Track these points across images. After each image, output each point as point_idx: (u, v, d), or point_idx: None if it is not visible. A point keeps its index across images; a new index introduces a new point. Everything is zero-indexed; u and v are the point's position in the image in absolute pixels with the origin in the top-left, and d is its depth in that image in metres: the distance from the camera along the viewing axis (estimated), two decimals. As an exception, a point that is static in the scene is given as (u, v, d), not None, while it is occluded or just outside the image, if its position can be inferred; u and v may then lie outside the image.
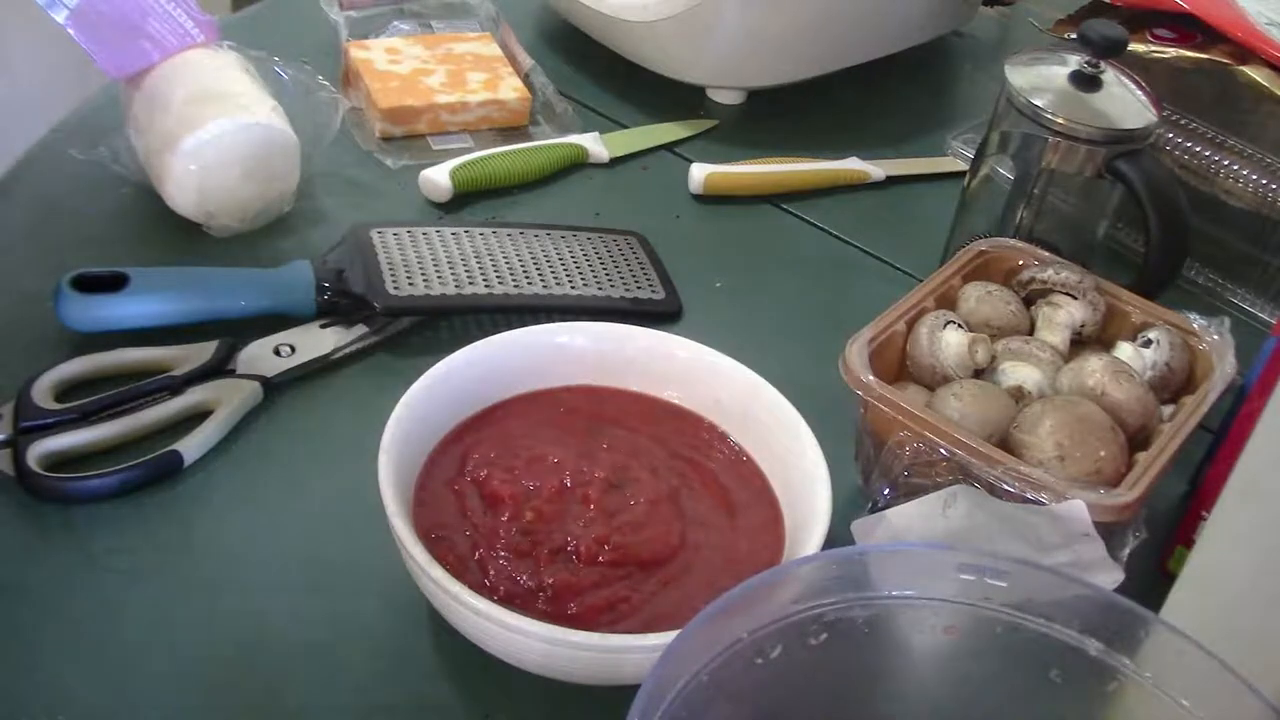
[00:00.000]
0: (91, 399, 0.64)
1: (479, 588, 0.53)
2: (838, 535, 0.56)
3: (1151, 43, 0.81)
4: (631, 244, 0.81)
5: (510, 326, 0.66)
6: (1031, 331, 0.67)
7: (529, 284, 0.75)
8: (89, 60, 0.76)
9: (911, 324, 0.65)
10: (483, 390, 0.63)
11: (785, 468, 0.61)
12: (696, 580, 0.57)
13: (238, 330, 0.69)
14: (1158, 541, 0.62)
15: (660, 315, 0.76)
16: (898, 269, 0.83)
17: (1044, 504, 0.55)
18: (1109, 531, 0.56)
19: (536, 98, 0.91)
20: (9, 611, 0.57)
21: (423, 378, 0.60)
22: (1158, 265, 0.72)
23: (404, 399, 0.59)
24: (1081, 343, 0.67)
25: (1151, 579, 0.59)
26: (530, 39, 0.98)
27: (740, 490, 0.62)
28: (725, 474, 0.62)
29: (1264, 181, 0.77)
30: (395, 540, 0.54)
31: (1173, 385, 0.65)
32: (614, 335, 0.66)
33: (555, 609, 0.54)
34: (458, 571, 0.53)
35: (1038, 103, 0.72)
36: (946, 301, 0.67)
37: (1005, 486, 0.56)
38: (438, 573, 0.52)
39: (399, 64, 0.90)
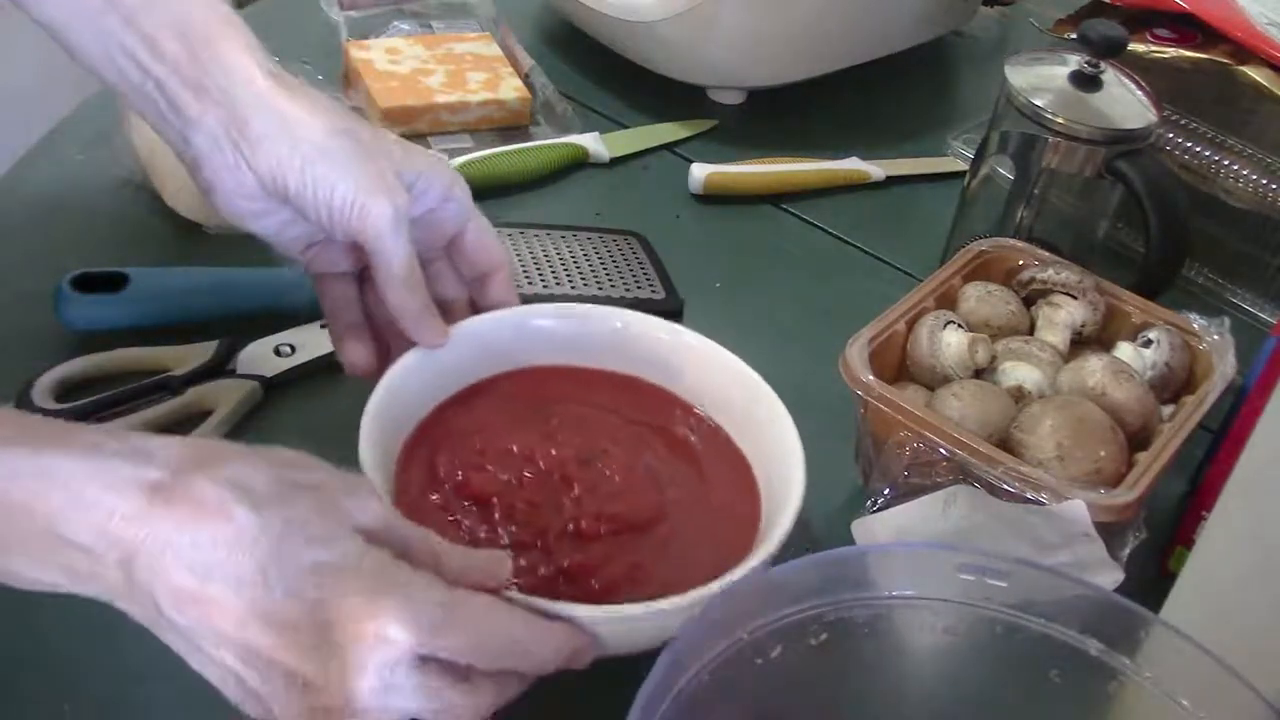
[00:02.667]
0: (91, 399, 0.64)
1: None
2: (838, 535, 0.56)
3: (1151, 43, 0.81)
4: (631, 244, 0.81)
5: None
6: (1031, 331, 0.67)
7: (529, 284, 0.75)
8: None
9: (911, 324, 0.65)
10: (430, 392, 0.62)
11: (752, 430, 0.62)
12: (691, 534, 0.57)
13: (238, 330, 0.69)
14: (1158, 541, 0.62)
15: (660, 315, 0.76)
16: (898, 269, 0.83)
17: (1044, 504, 0.55)
18: (1109, 531, 0.56)
19: (536, 98, 0.91)
20: (12, 609, 0.57)
21: (376, 390, 0.58)
22: (1158, 265, 0.72)
23: (364, 422, 0.57)
24: (1081, 343, 0.67)
25: (1151, 579, 0.59)
26: (530, 39, 0.98)
27: (698, 441, 0.62)
28: (680, 428, 0.63)
29: (1264, 181, 0.77)
30: None
31: (1173, 385, 0.65)
32: (586, 317, 0.65)
33: (580, 590, 0.54)
34: None
35: (1038, 103, 0.72)
36: (946, 301, 0.67)
37: (1005, 486, 0.56)
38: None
39: (399, 64, 0.90)
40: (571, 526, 0.56)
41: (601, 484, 0.58)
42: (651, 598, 0.52)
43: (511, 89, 0.90)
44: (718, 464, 0.61)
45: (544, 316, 0.65)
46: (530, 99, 0.90)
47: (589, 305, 0.66)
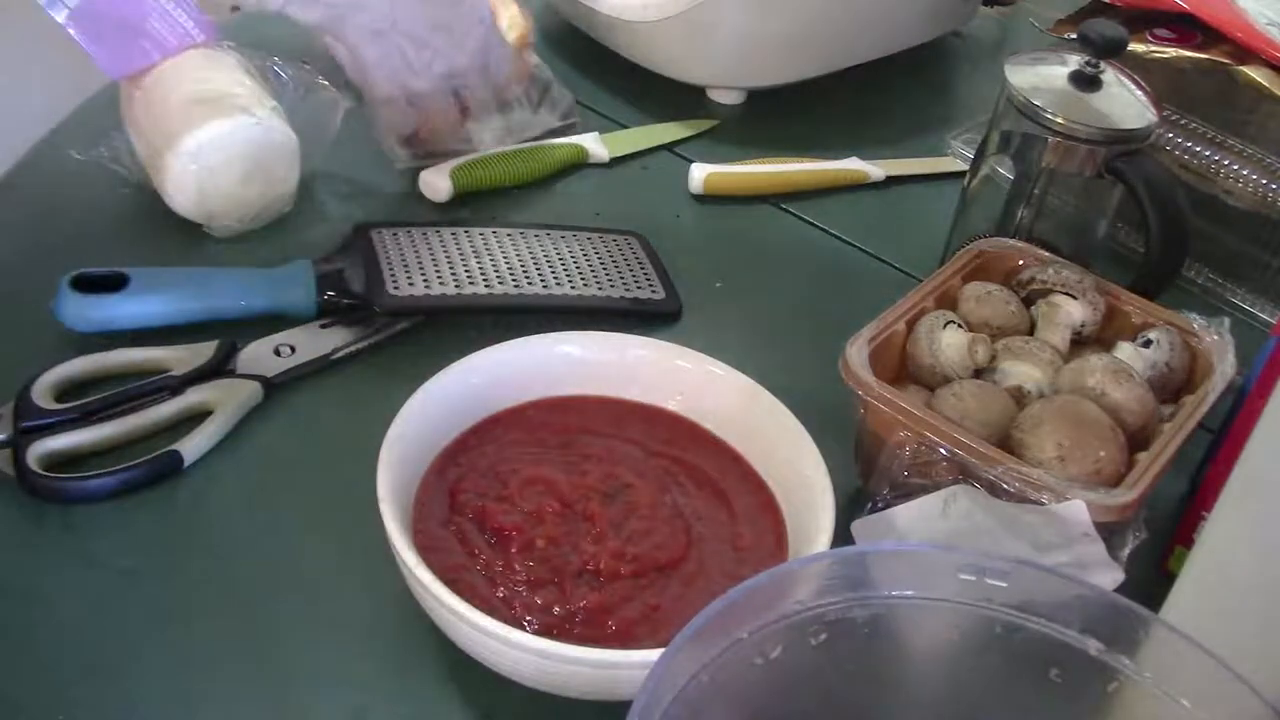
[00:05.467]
0: (91, 399, 0.64)
1: (516, 625, 0.52)
2: (838, 535, 0.56)
3: (1151, 43, 0.81)
4: (631, 244, 0.81)
5: (510, 326, 0.66)
6: (1031, 331, 0.67)
7: (529, 284, 0.75)
8: (89, 60, 0.76)
9: (911, 324, 0.65)
10: (454, 420, 0.61)
11: (781, 469, 0.61)
12: (713, 574, 0.57)
13: (238, 330, 0.69)
14: (1158, 541, 0.62)
15: (660, 315, 0.76)
16: (898, 269, 0.83)
17: (1044, 504, 0.55)
18: (1109, 531, 0.56)
19: (538, 88, 0.91)
20: (9, 611, 0.57)
21: (398, 418, 0.58)
22: (1158, 265, 0.72)
23: (387, 442, 0.57)
24: (1081, 343, 0.67)
25: (1151, 579, 0.59)
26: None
27: (725, 477, 0.62)
28: (707, 463, 0.62)
29: (1264, 181, 0.77)
30: (403, 571, 0.54)
31: (1173, 385, 0.65)
32: (610, 345, 0.65)
33: (594, 631, 0.54)
34: (487, 614, 0.51)
35: (1038, 103, 0.72)
36: (946, 301, 0.67)
37: (1005, 486, 0.56)
38: (448, 597, 0.51)
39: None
40: (591, 565, 0.56)
41: (625, 522, 0.58)
42: (667, 640, 0.52)
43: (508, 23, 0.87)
44: (746, 502, 0.61)
45: (570, 344, 0.65)
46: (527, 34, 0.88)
47: (616, 334, 0.65)
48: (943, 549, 0.52)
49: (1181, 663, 0.45)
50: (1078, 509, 0.55)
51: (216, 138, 0.73)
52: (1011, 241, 0.71)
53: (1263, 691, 0.43)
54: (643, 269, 0.79)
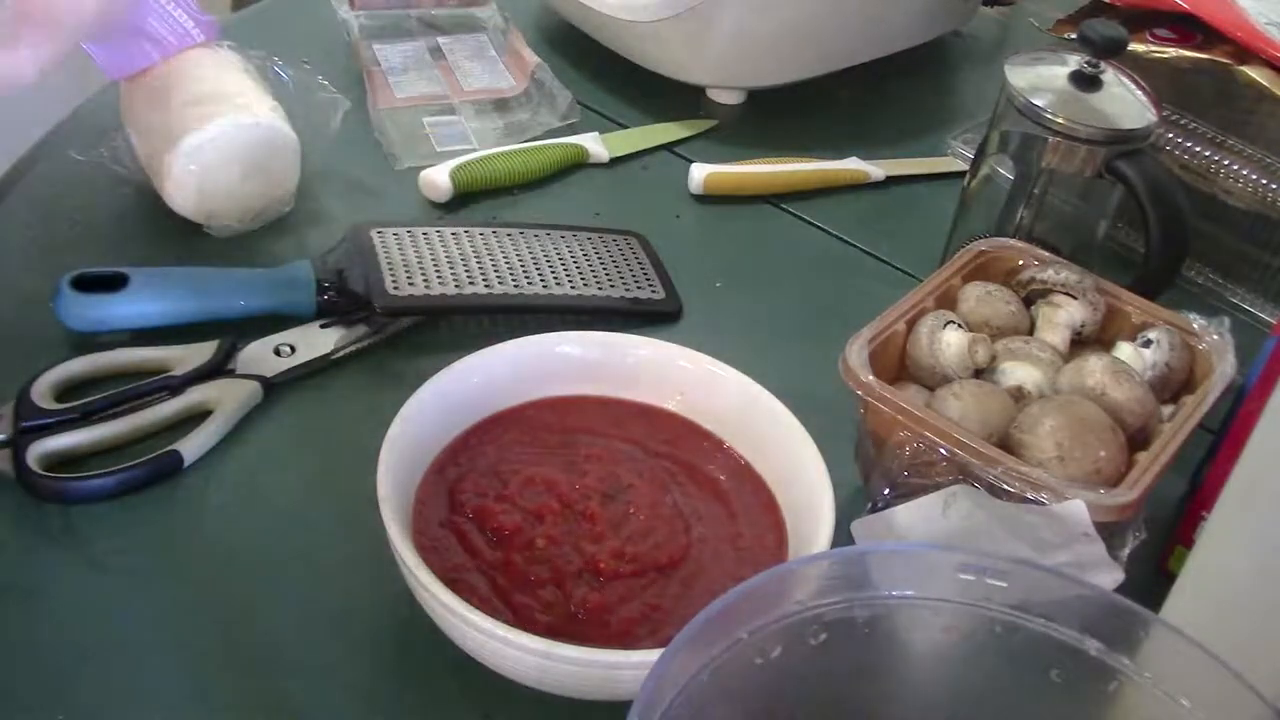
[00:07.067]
0: (91, 399, 0.64)
1: (516, 625, 0.52)
2: (838, 535, 0.56)
3: (1151, 43, 0.81)
4: (631, 244, 0.81)
5: (510, 326, 0.66)
6: (1031, 331, 0.67)
7: (529, 284, 0.75)
8: (89, 60, 0.76)
9: (911, 324, 0.65)
10: (454, 420, 0.61)
11: (781, 469, 0.61)
12: (713, 575, 0.57)
13: (238, 330, 0.69)
14: (1158, 541, 0.62)
15: (660, 315, 0.76)
16: (898, 269, 0.83)
17: (1044, 504, 0.55)
18: (1109, 531, 0.56)
19: (542, 91, 0.91)
20: (9, 611, 0.57)
21: (398, 418, 0.58)
22: (1158, 265, 0.72)
23: (387, 441, 0.57)
24: (1081, 343, 0.67)
25: (1151, 579, 0.59)
26: (531, 39, 0.98)
27: (725, 477, 0.62)
28: (707, 463, 0.62)
29: (1264, 181, 0.77)
30: (403, 571, 0.54)
31: (1173, 385, 0.65)
32: (610, 345, 0.65)
33: (594, 631, 0.54)
34: (487, 614, 0.51)
35: (1038, 103, 0.72)
36: (946, 301, 0.67)
37: (1005, 486, 0.56)
38: (447, 597, 0.51)
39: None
40: (591, 565, 0.56)
41: (625, 522, 0.58)
42: (667, 640, 0.52)
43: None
44: (746, 502, 0.61)
45: (570, 344, 0.65)
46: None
47: (616, 334, 0.65)
48: (943, 549, 0.52)
49: (1181, 663, 0.45)
50: (1078, 509, 0.55)
51: (216, 138, 0.73)
52: (1011, 241, 0.71)
53: (1263, 691, 0.43)
54: (642, 269, 0.79)
